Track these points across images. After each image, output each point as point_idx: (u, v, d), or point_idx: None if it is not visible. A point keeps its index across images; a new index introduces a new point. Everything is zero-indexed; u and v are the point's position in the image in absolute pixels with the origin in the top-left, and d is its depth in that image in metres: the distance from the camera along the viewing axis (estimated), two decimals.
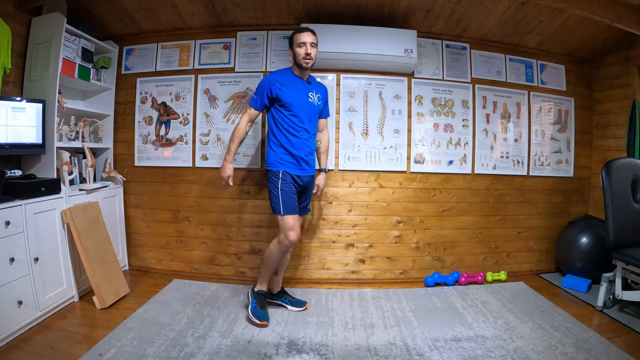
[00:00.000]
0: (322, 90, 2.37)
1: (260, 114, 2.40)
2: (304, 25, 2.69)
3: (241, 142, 2.30)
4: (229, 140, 2.26)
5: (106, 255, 2.51)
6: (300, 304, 2.44)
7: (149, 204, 3.08)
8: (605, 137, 3.24)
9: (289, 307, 2.42)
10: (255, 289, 2.28)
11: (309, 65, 2.19)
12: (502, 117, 3.15)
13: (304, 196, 2.32)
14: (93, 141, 2.91)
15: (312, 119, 2.27)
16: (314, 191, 2.43)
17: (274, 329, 2.13)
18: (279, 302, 2.44)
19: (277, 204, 2.14)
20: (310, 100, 2.24)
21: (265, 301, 2.31)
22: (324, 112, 2.42)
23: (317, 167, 2.42)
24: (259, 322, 2.16)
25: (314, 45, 2.18)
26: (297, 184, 2.21)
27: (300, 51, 2.15)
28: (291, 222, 2.12)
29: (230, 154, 2.22)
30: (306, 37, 2.15)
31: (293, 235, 2.13)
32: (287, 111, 2.17)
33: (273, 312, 2.32)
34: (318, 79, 2.88)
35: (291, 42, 2.21)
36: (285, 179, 2.16)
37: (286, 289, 2.56)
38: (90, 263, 2.32)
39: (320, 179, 2.47)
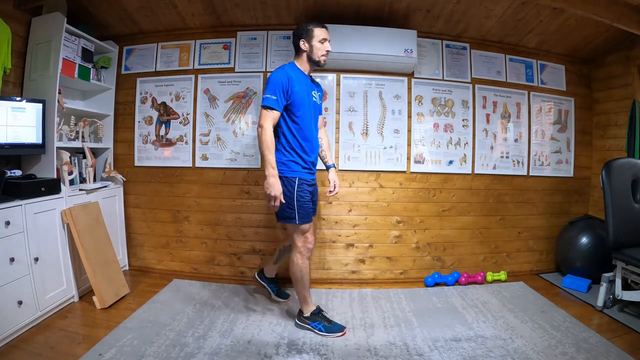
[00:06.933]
0: (320, 88, 2.30)
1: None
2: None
3: None
4: (263, 152, 1.93)
5: (106, 255, 2.51)
6: (284, 295, 2.52)
7: (149, 204, 3.08)
8: (605, 137, 3.24)
9: (272, 295, 2.48)
10: (306, 315, 2.13)
11: (325, 64, 2.10)
12: (502, 117, 3.15)
13: (313, 199, 2.17)
14: (93, 141, 2.91)
15: (315, 119, 2.18)
16: (331, 189, 2.27)
17: (274, 329, 2.13)
18: (264, 285, 2.48)
19: (290, 213, 2.00)
20: (313, 99, 2.15)
21: (325, 316, 2.15)
22: (320, 110, 2.32)
23: (322, 165, 2.32)
24: (339, 334, 2.07)
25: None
26: (309, 190, 2.09)
27: (322, 47, 2.04)
28: (307, 226, 2.05)
29: (274, 166, 1.93)
30: (328, 34, 2.08)
31: (311, 237, 2.07)
32: (298, 111, 2.01)
33: (272, 311, 2.32)
34: (318, 79, 2.89)
35: (308, 35, 2.04)
36: (301, 186, 2.01)
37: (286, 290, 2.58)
38: (90, 263, 2.32)
39: (333, 176, 2.30)
